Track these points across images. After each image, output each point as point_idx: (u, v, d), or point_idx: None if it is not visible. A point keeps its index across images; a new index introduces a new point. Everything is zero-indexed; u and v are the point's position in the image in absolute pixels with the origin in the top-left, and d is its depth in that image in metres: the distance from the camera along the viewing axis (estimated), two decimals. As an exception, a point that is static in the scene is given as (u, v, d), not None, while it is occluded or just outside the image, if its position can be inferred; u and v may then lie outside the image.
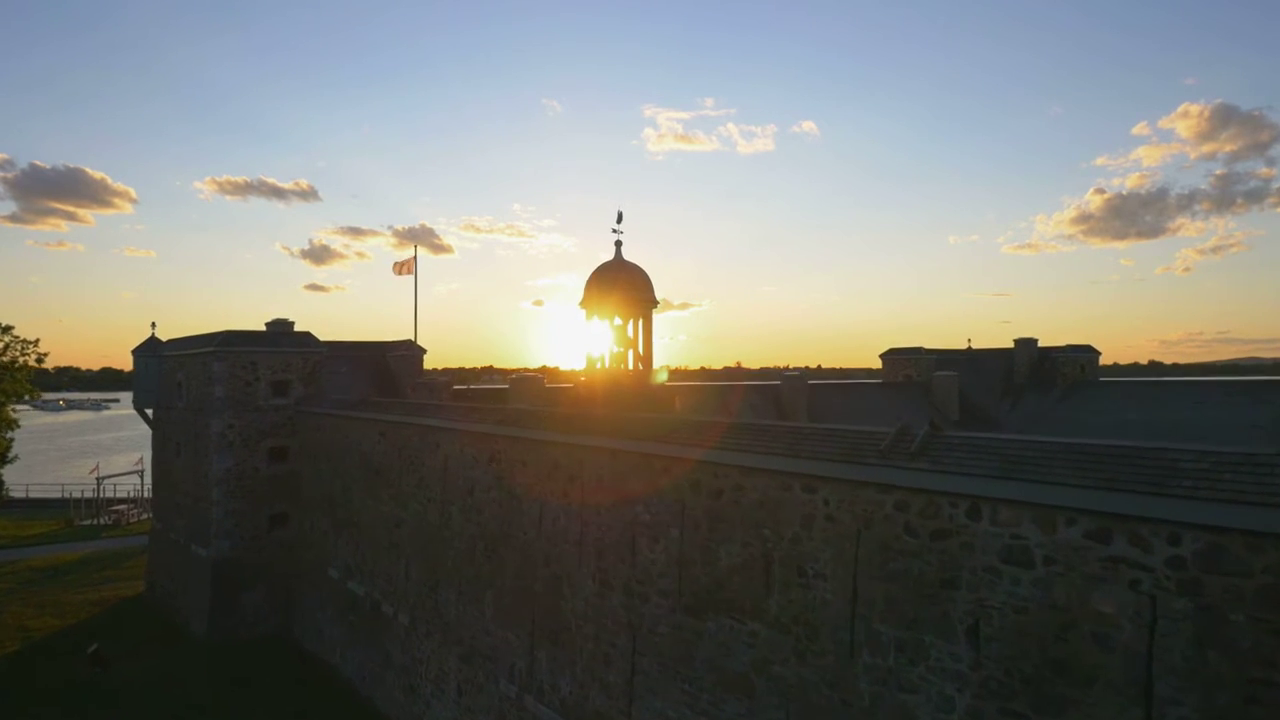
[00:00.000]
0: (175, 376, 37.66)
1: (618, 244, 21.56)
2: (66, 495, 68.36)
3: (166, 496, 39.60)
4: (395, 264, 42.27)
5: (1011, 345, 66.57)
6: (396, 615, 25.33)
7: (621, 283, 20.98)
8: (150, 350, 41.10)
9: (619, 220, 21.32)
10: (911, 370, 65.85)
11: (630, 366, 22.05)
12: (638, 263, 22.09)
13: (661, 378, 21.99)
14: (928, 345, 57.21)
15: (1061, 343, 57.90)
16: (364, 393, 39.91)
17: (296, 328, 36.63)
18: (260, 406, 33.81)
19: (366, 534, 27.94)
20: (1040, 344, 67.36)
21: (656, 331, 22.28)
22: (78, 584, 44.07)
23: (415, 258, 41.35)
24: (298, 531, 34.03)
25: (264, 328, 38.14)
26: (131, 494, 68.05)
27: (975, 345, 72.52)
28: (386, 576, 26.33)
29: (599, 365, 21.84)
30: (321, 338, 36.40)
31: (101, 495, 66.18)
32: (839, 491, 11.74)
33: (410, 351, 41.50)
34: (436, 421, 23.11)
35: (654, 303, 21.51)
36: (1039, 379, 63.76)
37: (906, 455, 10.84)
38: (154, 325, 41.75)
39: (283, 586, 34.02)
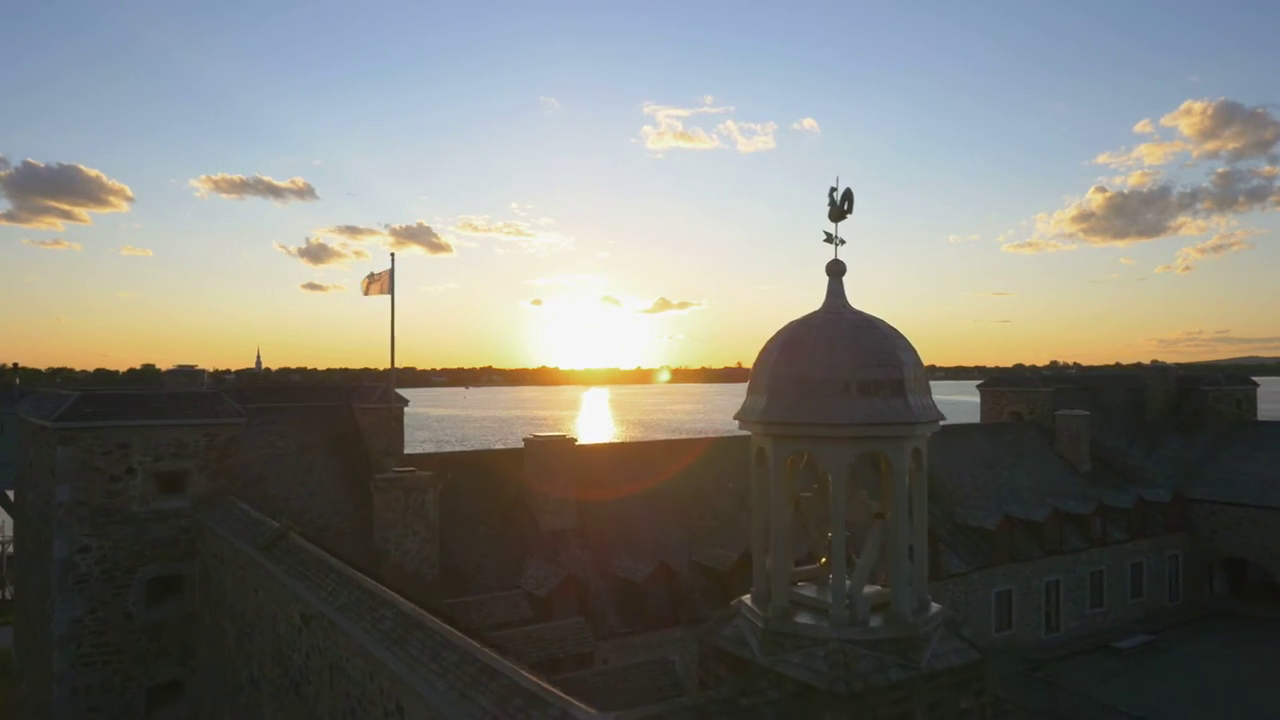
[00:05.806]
0: (29, 451, 25.03)
1: (835, 268, 8.84)
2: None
3: (21, 628, 26.97)
4: (364, 280, 29.66)
5: (1121, 367, 53.73)
6: None
7: (866, 379, 8.23)
8: (9, 402, 28.51)
9: (840, 212, 8.60)
10: (1021, 406, 52.28)
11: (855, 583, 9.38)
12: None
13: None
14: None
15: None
16: (317, 463, 27.45)
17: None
18: (135, 515, 21.14)
19: (283, 786, 15.34)
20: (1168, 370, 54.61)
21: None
22: (-78, 723, 31.48)
23: (391, 271, 28.69)
24: (194, 713, 21.39)
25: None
26: None
27: (1051, 359, 59.02)
28: None
29: (778, 607, 8.87)
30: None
31: (9, 554, 53.50)
32: None
33: (385, 404, 28.84)
34: (394, 661, 10.48)
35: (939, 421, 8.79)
36: (1182, 416, 50.51)
37: None
38: (15, 366, 29.14)
39: (172, 799, 21.41)
